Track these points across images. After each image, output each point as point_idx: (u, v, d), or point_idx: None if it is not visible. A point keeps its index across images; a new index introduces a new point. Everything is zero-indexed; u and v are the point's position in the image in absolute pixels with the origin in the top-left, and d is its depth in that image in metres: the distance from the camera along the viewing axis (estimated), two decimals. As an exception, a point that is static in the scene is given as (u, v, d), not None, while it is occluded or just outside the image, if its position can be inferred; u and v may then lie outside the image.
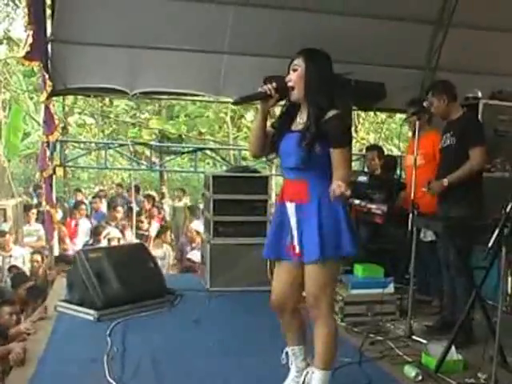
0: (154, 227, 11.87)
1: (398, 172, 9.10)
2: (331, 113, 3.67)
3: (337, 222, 3.69)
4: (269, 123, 3.94)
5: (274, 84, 3.74)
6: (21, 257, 9.77)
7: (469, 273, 5.16)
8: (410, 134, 7.23)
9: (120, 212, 12.04)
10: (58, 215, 11.44)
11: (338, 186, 3.41)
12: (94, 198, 14.52)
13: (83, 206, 12.34)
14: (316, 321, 3.84)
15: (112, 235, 10.45)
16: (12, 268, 8.86)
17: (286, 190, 3.90)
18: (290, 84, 3.76)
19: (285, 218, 3.86)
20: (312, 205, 3.70)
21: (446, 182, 5.40)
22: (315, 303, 3.77)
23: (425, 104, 5.74)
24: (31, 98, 19.64)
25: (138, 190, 15.59)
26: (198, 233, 10.89)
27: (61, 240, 10.35)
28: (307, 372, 3.94)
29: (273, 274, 4.10)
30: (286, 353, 4.08)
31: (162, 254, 10.38)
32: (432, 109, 5.63)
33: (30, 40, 7.89)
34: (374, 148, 8.38)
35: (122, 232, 11.06)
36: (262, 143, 3.91)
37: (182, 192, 15.23)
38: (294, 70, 3.77)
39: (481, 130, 5.50)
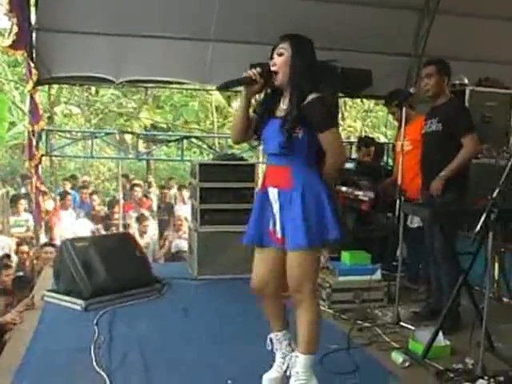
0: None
1: (386, 159, 9.12)
2: (311, 96, 3.66)
3: (320, 208, 3.68)
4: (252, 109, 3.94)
5: (259, 69, 3.73)
6: (7, 246, 9.72)
7: (455, 258, 5.16)
8: (396, 123, 7.24)
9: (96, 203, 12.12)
10: (50, 204, 11.42)
11: None
12: (81, 188, 14.44)
13: (69, 197, 12.28)
14: (299, 306, 3.82)
15: (88, 228, 10.49)
16: (4, 258, 8.84)
17: (268, 176, 3.88)
18: (274, 68, 3.74)
19: (266, 203, 3.86)
20: (295, 191, 3.70)
21: (444, 176, 5.29)
22: (299, 288, 3.76)
23: (412, 90, 5.73)
24: (17, 88, 19.52)
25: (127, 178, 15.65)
26: (182, 220, 10.94)
27: (50, 229, 10.34)
28: (291, 356, 3.94)
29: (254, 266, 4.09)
30: (271, 339, 4.08)
31: (144, 243, 10.35)
32: (428, 85, 5.54)
33: (16, 29, 7.84)
34: (372, 143, 8.40)
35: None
36: (244, 129, 3.90)
37: (170, 180, 15.27)
38: (279, 55, 3.75)
39: (469, 117, 5.46)
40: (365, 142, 8.63)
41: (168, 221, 12.15)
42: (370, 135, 9.01)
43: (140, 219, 11.18)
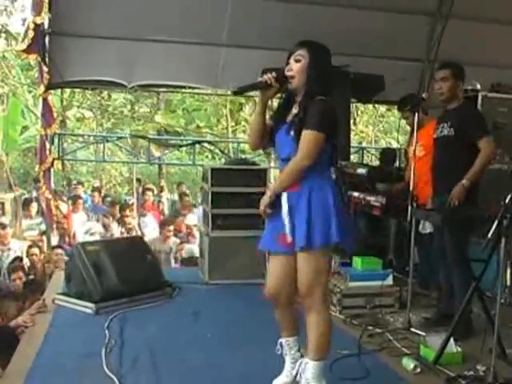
0: (148, 221, 11.82)
1: (398, 164, 9.10)
2: (317, 98, 3.68)
3: (326, 211, 3.68)
4: (268, 116, 3.95)
5: (274, 73, 3.74)
6: (19, 250, 9.76)
7: (467, 264, 5.14)
8: (408, 128, 7.23)
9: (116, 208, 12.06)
10: (64, 208, 11.47)
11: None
12: (92, 191, 14.48)
13: (80, 200, 12.33)
14: (309, 310, 3.81)
15: (94, 230, 10.42)
16: (16, 260, 8.88)
17: None
18: (290, 73, 3.75)
19: (278, 209, 3.85)
20: (302, 193, 3.70)
21: (466, 183, 5.17)
22: (308, 292, 3.76)
23: (424, 95, 5.70)
24: (30, 92, 19.60)
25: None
26: (189, 227, 10.91)
27: (67, 234, 10.36)
28: (301, 362, 3.91)
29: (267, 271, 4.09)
30: (281, 343, 4.07)
31: (168, 248, 10.34)
32: (443, 88, 5.46)
33: (32, 33, 7.88)
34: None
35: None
36: (260, 135, 3.90)
37: (181, 185, 15.24)
38: (297, 61, 3.75)
39: (483, 120, 5.40)
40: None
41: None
42: (383, 141, 9.02)
43: (163, 224, 11.15)
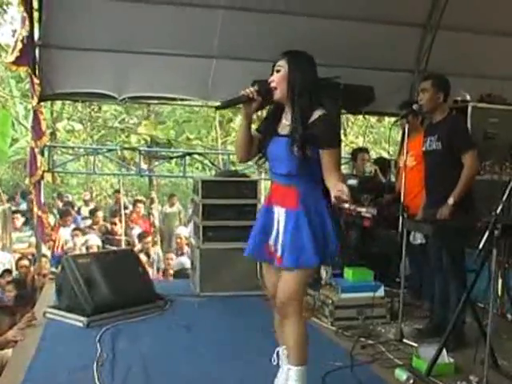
0: (137, 233, 11.79)
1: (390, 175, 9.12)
2: (317, 113, 3.67)
3: (323, 226, 3.72)
4: (254, 127, 3.94)
5: (256, 87, 3.73)
6: (8, 262, 9.71)
7: (462, 276, 5.13)
8: (398, 138, 7.22)
9: (100, 218, 12.03)
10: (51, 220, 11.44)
11: (341, 193, 3.45)
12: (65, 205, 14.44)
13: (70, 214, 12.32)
14: (286, 319, 3.83)
15: (91, 243, 10.37)
16: (5, 273, 8.84)
17: (274, 194, 3.89)
18: (272, 84, 3.75)
19: (270, 221, 3.86)
20: (302, 212, 3.70)
21: (451, 201, 5.22)
22: (288, 302, 3.78)
23: (414, 107, 5.70)
24: (20, 103, 19.56)
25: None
26: (182, 239, 10.92)
27: (56, 247, 10.34)
28: (286, 370, 3.91)
29: (263, 277, 4.09)
30: (277, 352, 4.04)
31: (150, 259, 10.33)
32: (423, 99, 5.46)
33: (20, 45, 7.86)
34: (364, 150, 8.46)
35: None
36: (248, 148, 3.89)
37: (173, 197, 15.19)
38: (277, 71, 3.76)
39: (467, 134, 5.43)
40: (359, 148, 8.70)
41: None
42: (373, 152, 9.11)
43: (141, 236, 11.13)
